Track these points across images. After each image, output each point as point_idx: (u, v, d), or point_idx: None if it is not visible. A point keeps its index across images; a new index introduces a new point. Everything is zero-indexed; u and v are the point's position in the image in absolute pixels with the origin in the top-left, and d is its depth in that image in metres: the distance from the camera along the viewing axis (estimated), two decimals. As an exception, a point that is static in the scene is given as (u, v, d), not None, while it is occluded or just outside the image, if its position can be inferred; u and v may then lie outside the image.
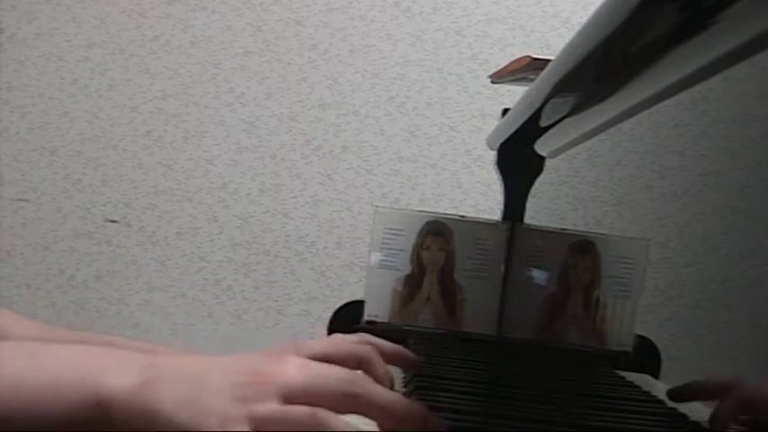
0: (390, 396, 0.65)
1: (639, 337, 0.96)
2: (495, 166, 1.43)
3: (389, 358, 0.82)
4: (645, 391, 0.88)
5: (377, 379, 0.76)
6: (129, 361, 0.65)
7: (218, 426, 0.61)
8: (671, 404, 0.81)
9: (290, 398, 0.63)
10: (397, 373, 0.98)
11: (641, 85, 0.73)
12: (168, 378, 0.63)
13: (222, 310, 2.07)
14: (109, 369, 0.63)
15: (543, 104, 1.03)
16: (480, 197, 2.06)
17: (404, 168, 2.07)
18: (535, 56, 1.33)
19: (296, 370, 0.65)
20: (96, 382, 0.62)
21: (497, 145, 1.43)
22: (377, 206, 1.22)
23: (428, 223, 1.16)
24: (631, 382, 0.93)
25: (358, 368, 0.78)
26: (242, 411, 0.62)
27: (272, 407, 0.62)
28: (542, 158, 1.32)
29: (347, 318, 1.17)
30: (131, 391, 0.62)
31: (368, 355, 0.78)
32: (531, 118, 1.12)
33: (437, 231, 1.16)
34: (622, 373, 0.97)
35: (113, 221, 2.08)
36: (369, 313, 1.16)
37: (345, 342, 0.81)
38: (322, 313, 1.23)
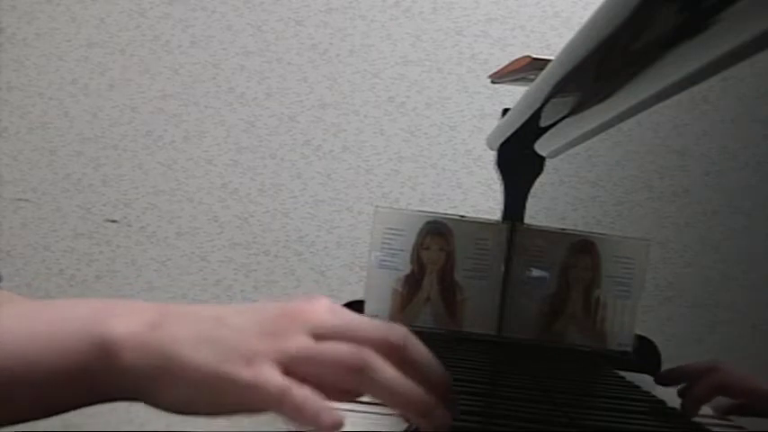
0: (430, 358, 0.59)
1: (639, 337, 0.96)
2: (495, 166, 1.43)
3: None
4: (645, 391, 0.88)
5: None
6: (137, 305, 0.59)
7: (245, 363, 0.54)
8: (671, 404, 0.81)
9: (321, 337, 0.56)
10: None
11: (641, 85, 0.73)
12: (183, 319, 0.57)
13: (222, 310, 2.07)
14: (114, 313, 0.57)
15: (543, 104, 1.03)
16: (480, 197, 2.06)
17: (404, 168, 2.07)
18: (535, 56, 1.33)
19: (328, 311, 0.58)
20: (101, 327, 0.56)
21: (497, 145, 1.43)
22: (377, 206, 1.22)
23: (428, 223, 1.16)
24: (631, 382, 0.93)
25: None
26: (270, 347, 0.55)
27: (305, 341, 0.56)
28: (542, 158, 1.32)
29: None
30: (142, 332, 0.56)
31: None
32: (531, 118, 1.12)
33: (437, 231, 1.16)
34: (622, 373, 0.97)
35: (113, 221, 2.08)
36: (369, 313, 1.16)
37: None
38: (322, 313, 1.23)
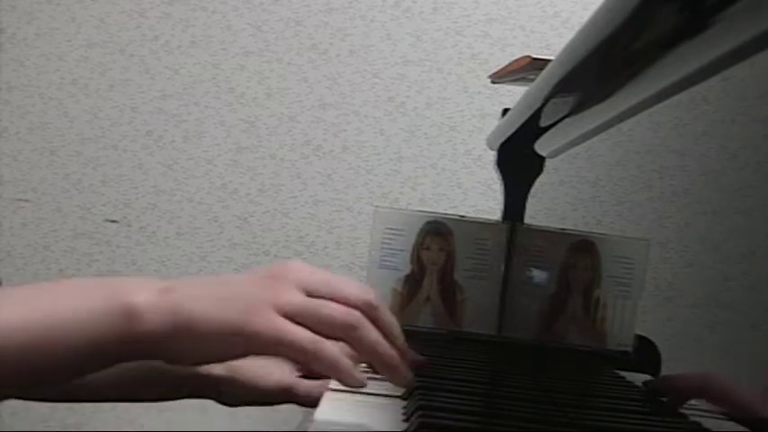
0: (395, 320, 0.68)
1: (639, 337, 0.96)
2: (495, 166, 1.43)
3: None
4: (645, 391, 0.88)
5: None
6: (143, 279, 0.66)
7: (259, 315, 0.61)
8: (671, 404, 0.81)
9: (310, 294, 0.64)
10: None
11: (641, 85, 0.73)
12: (190, 283, 0.65)
13: (222, 310, 2.07)
14: (128, 287, 0.64)
15: (543, 104, 1.03)
16: (480, 197, 2.06)
17: (404, 168, 2.07)
18: (535, 56, 1.33)
19: (308, 270, 0.66)
20: (123, 297, 0.63)
21: (497, 145, 1.43)
22: (377, 206, 1.22)
23: (428, 223, 1.16)
24: (631, 382, 0.93)
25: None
26: (273, 300, 0.62)
27: (301, 296, 0.63)
28: (542, 158, 1.32)
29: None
30: (158, 297, 0.62)
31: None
32: (531, 118, 1.12)
33: (437, 231, 1.16)
34: (622, 373, 0.97)
35: (113, 221, 2.08)
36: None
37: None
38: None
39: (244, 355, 0.63)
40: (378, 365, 0.65)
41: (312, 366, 0.63)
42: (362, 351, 0.64)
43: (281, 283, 0.64)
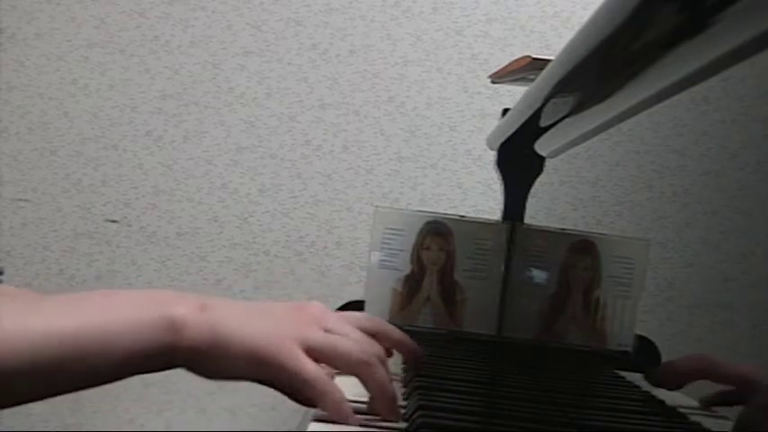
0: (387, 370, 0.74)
1: (639, 337, 0.96)
2: (495, 166, 1.43)
3: (394, 344, 0.86)
4: (645, 391, 0.88)
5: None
6: (178, 294, 0.69)
7: (283, 344, 0.66)
8: (671, 404, 0.81)
9: (328, 332, 0.70)
10: (397, 370, 0.98)
11: (641, 85, 0.73)
12: (223, 304, 0.69)
13: (222, 310, 2.07)
14: (169, 300, 0.67)
15: (543, 104, 1.03)
16: (480, 197, 2.06)
17: (404, 168, 2.07)
18: (535, 56, 1.33)
19: (324, 311, 0.73)
20: (168, 310, 0.65)
21: (497, 145, 1.43)
22: (377, 206, 1.22)
23: (428, 223, 1.16)
24: (631, 382, 0.93)
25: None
26: (297, 334, 0.67)
27: (321, 333, 0.69)
28: (542, 158, 1.32)
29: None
30: (196, 313, 0.66)
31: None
32: (531, 118, 1.12)
33: (437, 231, 1.16)
34: (622, 373, 0.97)
35: (113, 221, 2.08)
36: (369, 313, 1.16)
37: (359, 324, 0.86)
38: (322, 313, 1.23)
39: (263, 378, 0.68)
40: (379, 400, 0.71)
41: (316, 403, 0.68)
42: (371, 387, 0.70)
43: (302, 322, 0.69)
